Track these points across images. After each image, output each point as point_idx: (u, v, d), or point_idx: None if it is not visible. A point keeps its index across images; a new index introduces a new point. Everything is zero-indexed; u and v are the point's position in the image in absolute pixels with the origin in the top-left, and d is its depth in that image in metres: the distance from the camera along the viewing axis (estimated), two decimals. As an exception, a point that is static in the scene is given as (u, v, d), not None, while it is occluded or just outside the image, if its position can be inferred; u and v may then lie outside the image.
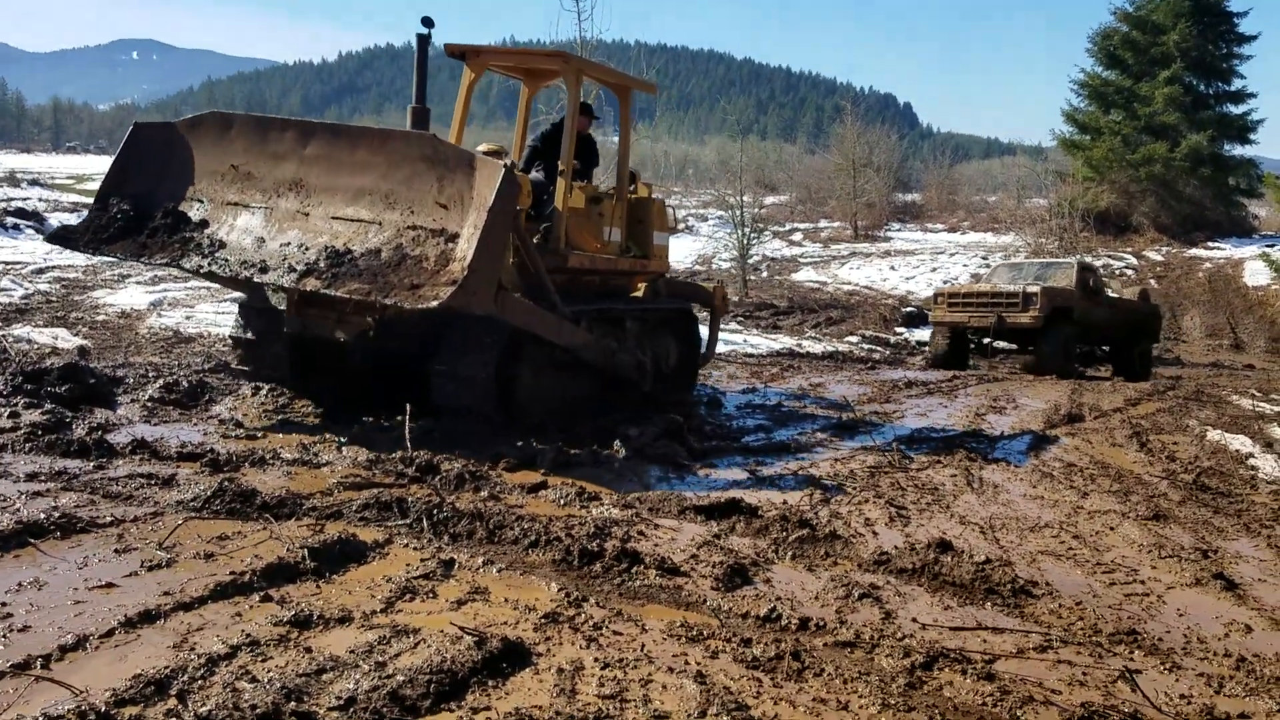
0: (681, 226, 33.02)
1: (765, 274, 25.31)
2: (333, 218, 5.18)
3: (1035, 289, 13.43)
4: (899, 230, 36.10)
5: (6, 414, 5.26)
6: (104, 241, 5.46)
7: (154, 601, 2.87)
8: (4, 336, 8.23)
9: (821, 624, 3.08)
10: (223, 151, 5.58)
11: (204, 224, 5.45)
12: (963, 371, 13.55)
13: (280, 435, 5.48)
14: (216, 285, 8.44)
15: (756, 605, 3.20)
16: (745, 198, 22.98)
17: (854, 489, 5.06)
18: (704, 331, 8.60)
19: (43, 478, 4.21)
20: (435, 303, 4.59)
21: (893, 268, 27.30)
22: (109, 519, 3.67)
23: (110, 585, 3.02)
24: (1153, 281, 26.01)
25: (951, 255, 29.02)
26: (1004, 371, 14.09)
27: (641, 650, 2.78)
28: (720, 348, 13.29)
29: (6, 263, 12.80)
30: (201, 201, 5.53)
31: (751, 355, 13.05)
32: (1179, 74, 31.51)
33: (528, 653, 2.69)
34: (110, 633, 2.64)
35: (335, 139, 5.34)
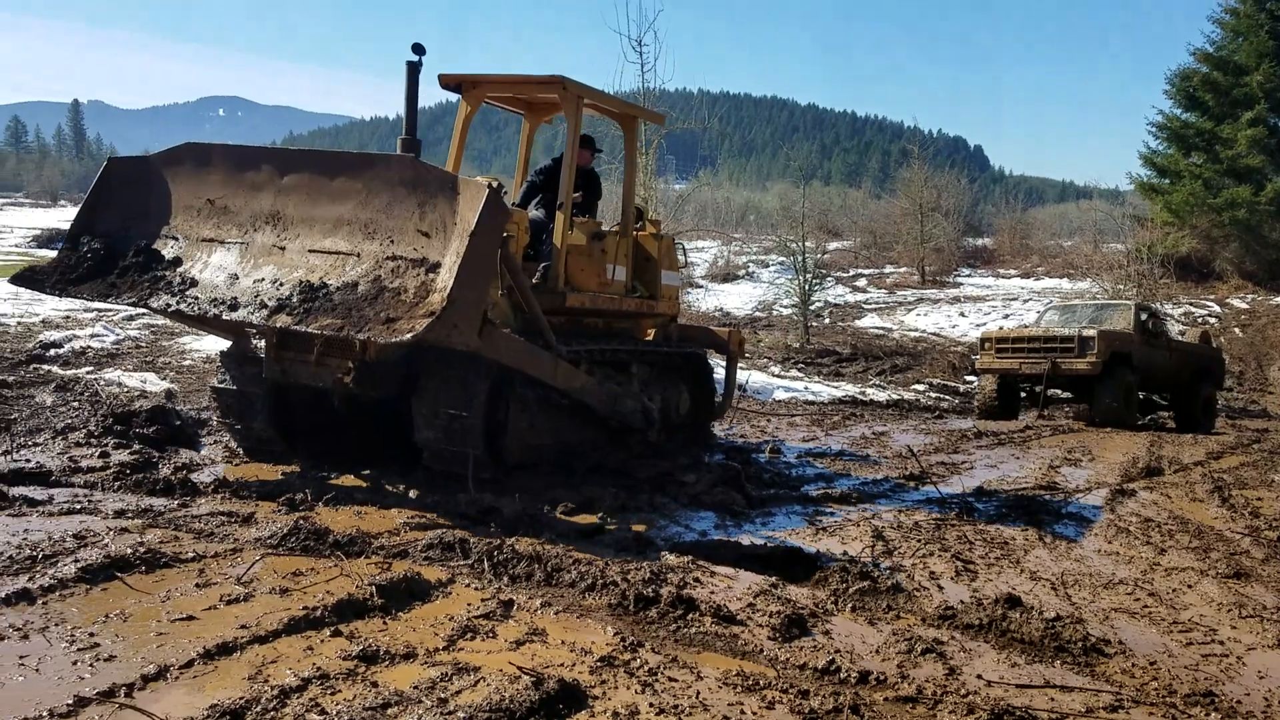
0: (742, 273, 33.00)
1: (828, 320, 25.10)
2: (309, 251, 4.86)
3: (1092, 332, 12.39)
4: (969, 276, 35.45)
5: (97, 454, 5.58)
6: (71, 282, 5.21)
7: (231, 634, 3.00)
8: (95, 380, 8.71)
9: (882, 678, 3.04)
10: (199, 185, 5.28)
11: (177, 262, 5.17)
12: (1036, 422, 12.97)
13: (352, 476, 5.67)
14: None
15: (815, 657, 3.18)
16: (808, 243, 22.92)
17: (918, 541, 4.97)
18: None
19: (130, 514, 4.45)
20: (410, 335, 4.19)
21: (962, 314, 26.79)
22: (191, 555, 3.85)
23: (190, 618, 3.18)
24: (1237, 330, 24.97)
25: (1025, 301, 28.33)
26: (1071, 424, 13.50)
27: (696, 698, 2.78)
28: (780, 395, 13.24)
29: (100, 309, 13.54)
30: (176, 238, 5.26)
31: (813, 403, 12.95)
32: (1263, 115, 30.46)
33: (584, 695, 2.73)
34: (189, 663, 2.78)
35: (312, 166, 5.06)
